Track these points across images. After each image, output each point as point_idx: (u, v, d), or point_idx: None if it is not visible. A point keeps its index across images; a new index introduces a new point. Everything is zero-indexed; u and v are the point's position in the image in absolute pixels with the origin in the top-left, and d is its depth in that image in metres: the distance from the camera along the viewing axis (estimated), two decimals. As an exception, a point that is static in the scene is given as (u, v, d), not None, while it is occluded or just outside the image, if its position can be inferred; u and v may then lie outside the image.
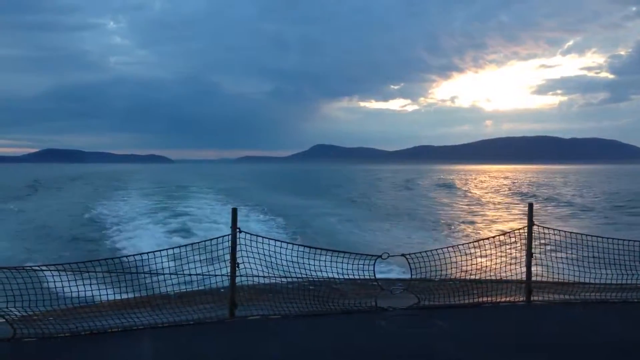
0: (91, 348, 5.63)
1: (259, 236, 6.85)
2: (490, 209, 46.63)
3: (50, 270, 6.03)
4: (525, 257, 7.51)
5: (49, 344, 5.72)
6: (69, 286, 6.18)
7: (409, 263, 7.18)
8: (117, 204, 48.27)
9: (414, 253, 7.22)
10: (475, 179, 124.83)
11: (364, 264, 7.04)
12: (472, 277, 7.47)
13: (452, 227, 33.39)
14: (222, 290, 7.16)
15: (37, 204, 50.03)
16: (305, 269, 6.93)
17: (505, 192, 70.87)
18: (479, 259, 7.47)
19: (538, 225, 7.55)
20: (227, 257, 6.64)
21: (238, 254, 6.63)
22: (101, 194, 61.14)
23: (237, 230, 6.63)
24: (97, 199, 54.22)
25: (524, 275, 7.51)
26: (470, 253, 7.49)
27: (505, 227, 31.49)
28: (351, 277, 7.06)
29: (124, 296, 6.97)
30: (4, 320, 5.89)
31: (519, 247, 7.67)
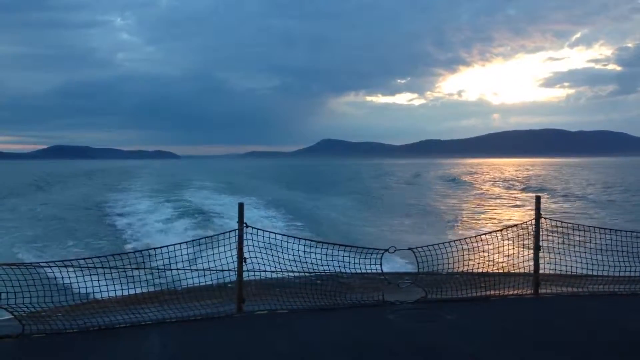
0: (100, 344, 5.65)
1: (266, 231, 6.85)
2: (497, 202, 46.47)
3: (58, 267, 6.06)
4: (533, 249, 7.48)
5: (58, 340, 5.75)
6: (77, 282, 6.23)
7: (416, 257, 7.15)
8: (121, 194, 49.33)
9: (421, 247, 7.19)
10: (481, 172, 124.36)
11: (371, 258, 7.04)
12: (480, 270, 7.45)
13: (459, 220, 33.31)
14: (230, 285, 7.17)
15: (49, 198, 50.77)
16: (312, 264, 6.94)
17: (512, 185, 70.58)
18: (486, 252, 7.45)
19: (545, 218, 7.50)
20: (234, 252, 6.65)
21: (245, 249, 6.64)
22: (111, 187, 61.98)
23: (244, 225, 6.64)
24: (106, 191, 55.18)
25: (531, 268, 7.48)
26: (478, 246, 7.47)
27: (513, 219, 31.37)
28: (358, 271, 7.06)
29: (132, 292, 7.00)
30: (13, 316, 5.93)
31: (527, 240, 7.63)
